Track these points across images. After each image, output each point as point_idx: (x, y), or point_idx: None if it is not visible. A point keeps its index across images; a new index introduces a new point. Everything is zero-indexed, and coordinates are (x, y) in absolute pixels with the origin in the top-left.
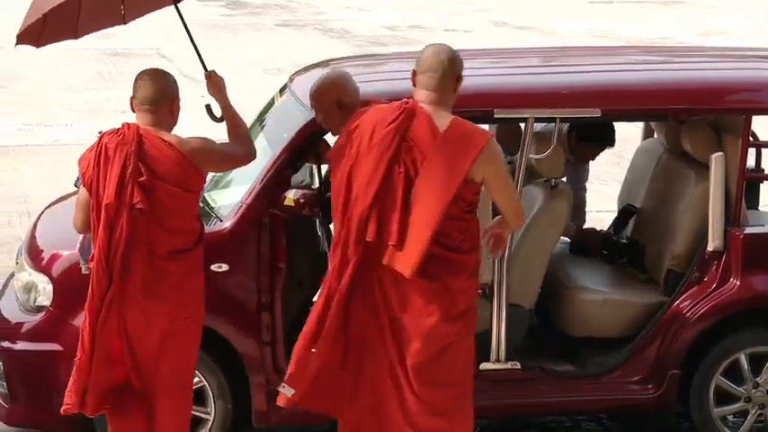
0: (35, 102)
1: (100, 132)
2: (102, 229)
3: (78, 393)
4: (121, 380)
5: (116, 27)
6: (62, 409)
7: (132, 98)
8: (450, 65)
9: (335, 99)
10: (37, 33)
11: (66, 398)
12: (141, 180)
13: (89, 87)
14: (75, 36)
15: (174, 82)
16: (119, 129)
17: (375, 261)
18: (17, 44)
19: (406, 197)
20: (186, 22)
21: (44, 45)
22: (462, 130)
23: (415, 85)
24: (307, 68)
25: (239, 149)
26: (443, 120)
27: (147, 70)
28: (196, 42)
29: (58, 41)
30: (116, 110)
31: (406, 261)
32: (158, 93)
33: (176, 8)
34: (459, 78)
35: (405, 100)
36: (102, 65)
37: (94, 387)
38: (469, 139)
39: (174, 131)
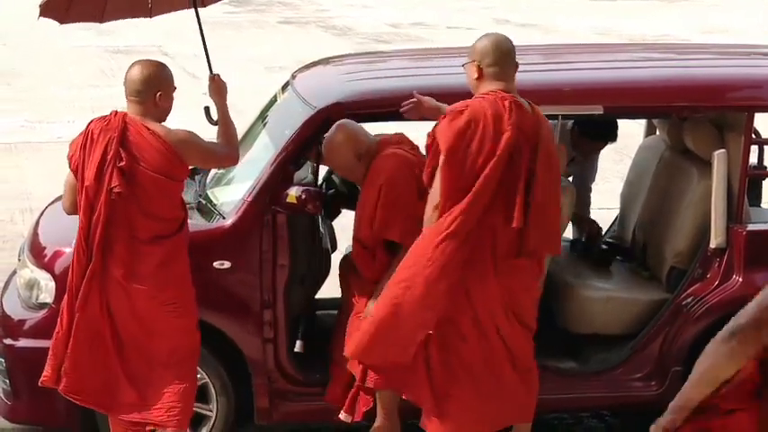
0: (38, 99)
1: None
2: (82, 211)
3: (54, 368)
4: (103, 363)
5: (119, 24)
6: (40, 381)
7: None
8: (514, 53)
9: (354, 154)
10: (62, 9)
11: (44, 370)
12: (121, 165)
13: (91, 84)
14: (101, 20)
15: (164, 74)
16: (107, 116)
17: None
18: (40, 16)
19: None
20: (201, 23)
21: (68, 23)
22: (538, 110)
23: (480, 78)
24: (309, 66)
25: (224, 150)
26: (528, 106)
27: (138, 61)
28: (207, 44)
29: (82, 22)
30: (118, 107)
31: (552, 241)
32: (143, 84)
33: (196, 11)
34: (517, 65)
35: (495, 92)
36: (104, 62)
37: (72, 366)
38: (544, 118)
39: (172, 125)
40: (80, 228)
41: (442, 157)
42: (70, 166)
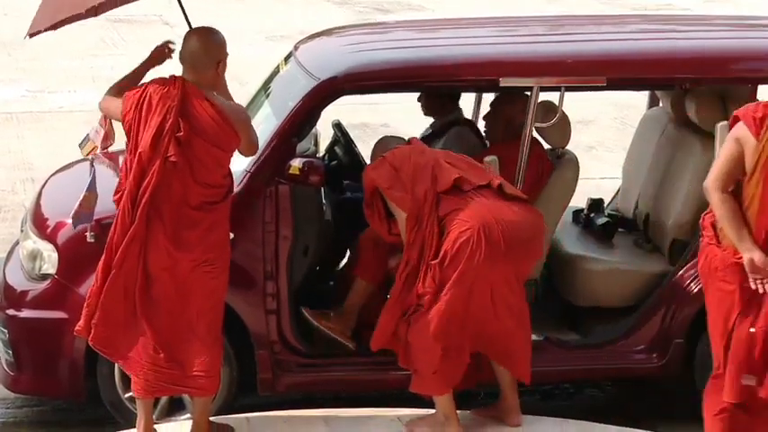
0: (39, 68)
1: None
2: (132, 175)
3: (86, 319)
4: (133, 323)
5: None
6: (75, 330)
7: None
8: None
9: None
10: (50, 17)
11: (80, 320)
12: (179, 135)
13: (92, 54)
14: (95, 13)
15: (223, 41)
16: (165, 79)
17: None
18: (31, 35)
19: None
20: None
21: (62, 26)
22: None
23: None
24: (312, 37)
25: (256, 139)
26: None
27: (194, 30)
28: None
29: (76, 21)
30: (119, 76)
31: None
32: (206, 54)
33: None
34: None
35: None
36: (105, 31)
37: (103, 321)
38: None
39: None
40: (127, 191)
41: None
42: (123, 125)
